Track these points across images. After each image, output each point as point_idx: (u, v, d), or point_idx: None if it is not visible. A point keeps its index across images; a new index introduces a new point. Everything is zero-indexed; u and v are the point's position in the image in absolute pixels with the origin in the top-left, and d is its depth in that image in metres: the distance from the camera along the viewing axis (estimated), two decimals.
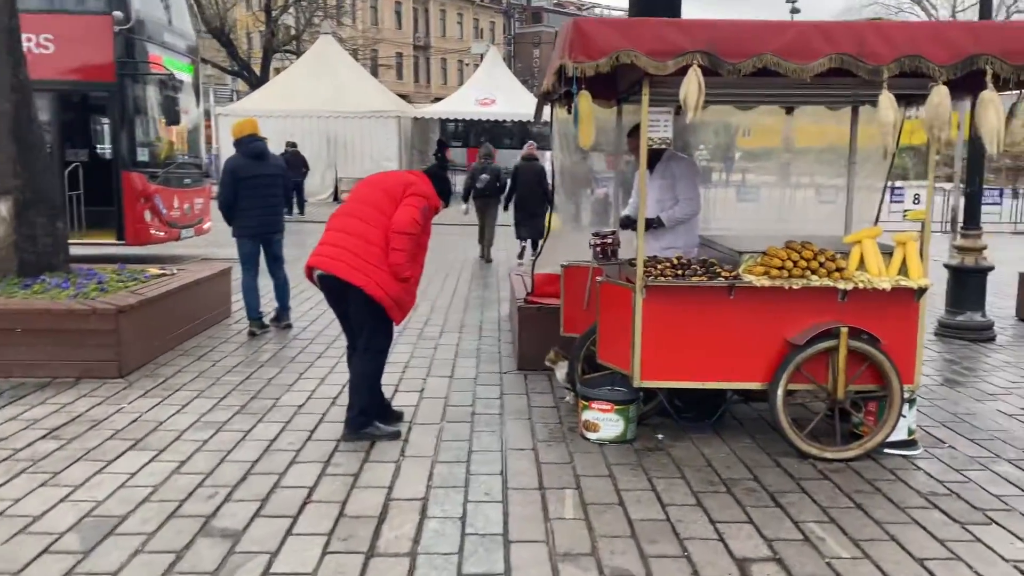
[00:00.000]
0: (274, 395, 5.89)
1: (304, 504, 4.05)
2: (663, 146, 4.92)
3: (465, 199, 13.79)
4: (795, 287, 4.65)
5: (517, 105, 26.57)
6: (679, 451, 4.89)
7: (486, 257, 13.78)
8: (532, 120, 29.78)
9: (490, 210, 13.81)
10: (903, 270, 4.77)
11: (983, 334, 8.25)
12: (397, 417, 5.28)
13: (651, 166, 6.12)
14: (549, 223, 7.02)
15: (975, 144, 8.31)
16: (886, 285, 4.65)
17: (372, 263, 4.79)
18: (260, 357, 7.02)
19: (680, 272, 4.83)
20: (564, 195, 7.27)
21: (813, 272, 4.66)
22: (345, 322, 5.11)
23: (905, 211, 4.50)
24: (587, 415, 5.01)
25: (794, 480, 4.49)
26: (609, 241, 5.52)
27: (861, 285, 4.64)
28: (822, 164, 8.66)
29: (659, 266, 4.87)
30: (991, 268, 8.47)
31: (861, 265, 4.79)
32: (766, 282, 4.64)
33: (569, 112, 5.10)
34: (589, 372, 5.56)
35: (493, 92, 26.26)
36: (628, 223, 6.18)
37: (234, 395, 5.88)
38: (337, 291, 4.93)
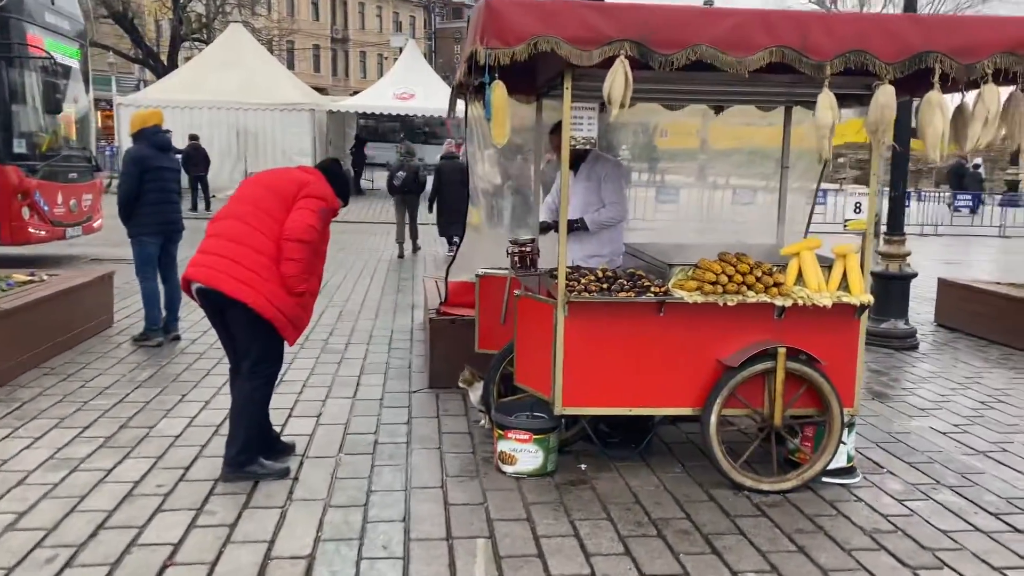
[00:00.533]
0: (148, 422, 5.17)
1: (164, 568, 3.39)
2: (587, 146, 4.43)
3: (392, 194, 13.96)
4: (730, 304, 4.22)
5: (437, 100, 25.88)
6: (604, 484, 4.41)
7: (403, 252, 13.79)
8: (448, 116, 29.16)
9: (409, 207, 13.87)
10: (843, 285, 4.41)
11: (907, 342, 8.09)
12: (286, 450, 4.65)
13: (574, 167, 5.66)
14: (464, 227, 6.48)
15: (900, 147, 8.15)
16: (827, 302, 4.27)
17: (261, 275, 4.15)
18: (139, 375, 6.25)
19: (606, 286, 4.36)
20: (482, 196, 6.73)
21: (749, 287, 4.25)
22: (229, 342, 4.45)
23: (846, 220, 4.25)
24: (503, 446, 4.49)
25: (729, 518, 4.06)
26: (528, 250, 5.01)
27: (800, 302, 4.25)
28: (742, 166, 8.42)
29: (583, 280, 4.38)
30: (915, 275, 8.32)
31: (800, 279, 4.40)
32: (699, 298, 4.20)
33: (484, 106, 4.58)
34: (507, 394, 5.04)
35: (412, 86, 25.50)
36: (549, 227, 5.70)
37: (101, 423, 5.13)
38: (219, 307, 4.27)
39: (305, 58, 56.43)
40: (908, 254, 8.29)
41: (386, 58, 58.45)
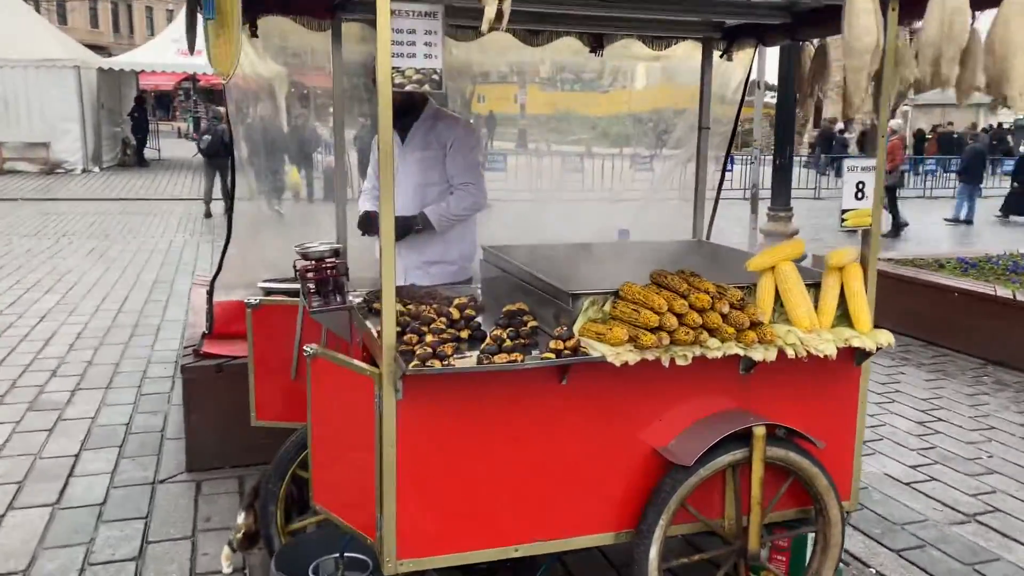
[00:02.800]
0: None
1: None
2: (423, 88, 2.46)
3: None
4: (681, 362, 2.46)
5: None
6: None
7: (210, 212, 13.92)
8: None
9: (220, 171, 13.66)
10: (839, 314, 2.77)
11: None
12: None
13: (403, 128, 3.74)
14: (231, 214, 4.31)
15: (787, 105, 6.80)
16: (830, 349, 2.60)
17: None
18: None
19: (464, 338, 2.48)
20: (250, 169, 4.59)
21: (712, 331, 2.49)
22: None
23: (843, 213, 2.99)
24: None
25: None
26: (328, 266, 3.01)
27: (792, 352, 2.56)
28: (607, 133, 6.86)
29: (427, 327, 2.47)
30: (803, 257, 7.03)
31: (776, 309, 2.71)
32: (632, 356, 2.40)
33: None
34: (303, 511, 3.07)
35: (199, 41, 22.12)
36: (369, 224, 3.76)
37: None
38: None
39: (81, 12, 49.76)
40: (795, 232, 7.00)
41: (173, 11, 52.65)
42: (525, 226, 5.01)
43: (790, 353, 2.54)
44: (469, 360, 2.33)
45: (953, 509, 3.87)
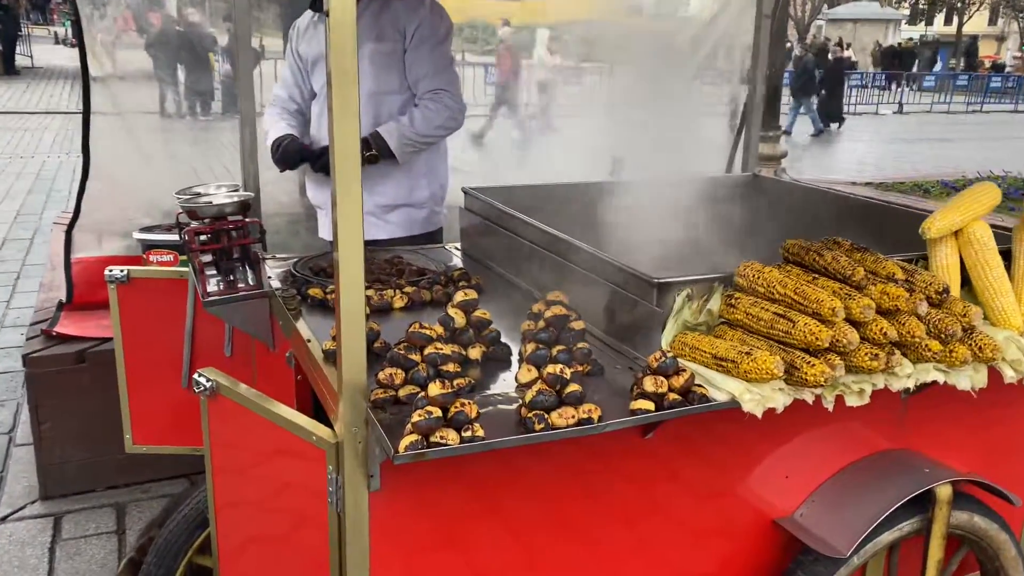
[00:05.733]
0: None
1: None
2: None
3: None
4: (855, 401, 1.45)
5: None
6: None
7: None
8: None
9: None
10: None
11: None
12: None
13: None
14: (87, 135, 3.02)
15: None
16: None
17: None
18: None
19: (468, 357, 1.43)
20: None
21: (902, 345, 1.47)
22: None
23: None
24: None
25: None
26: (230, 227, 1.85)
27: (1012, 373, 1.58)
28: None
29: (422, 350, 1.39)
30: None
31: (965, 293, 1.73)
32: (784, 400, 1.37)
33: None
34: None
35: None
36: (287, 156, 2.62)
37: None
38: None
39: None
40: (783, 156, 6.09)
41: None
42: (486, 152, 3.90)
43: (1009, 375, 1.57)
44: (501, 419, 1.27)
45: None
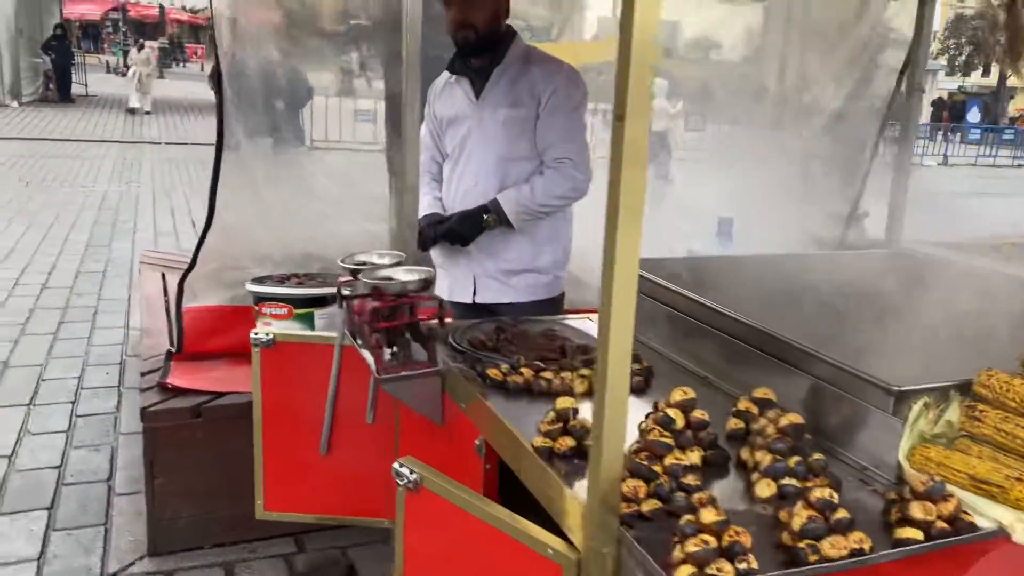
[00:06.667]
0: None
1: None
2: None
3: None
4: None
5: None
6: None
7: None
8: (202, 7, 23.26)
9: None
10: None
11: None
12: None
13: (479, 74, 2.57)
14: (215, 188, 3.01)
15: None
16: None
17: None
18: None
19: (692, 465, 1.36)
20: (241, 135, 3.27)
21: None
22: None
23: None
24: None
25: None
26: (408, 303, 1.80)
27: None
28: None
29: (661, 458, 1.32)
30: None
31: None
32: None
33: None
34: None
35: None
36: (435, 229, 2.62)
37: None
38: None
39: None
40: (866, 215, 5.98)
41: None
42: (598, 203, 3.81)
43: None
44: (758, 545, 1.19)
45: None
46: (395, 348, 1.78)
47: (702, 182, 4.36)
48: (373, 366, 1.80)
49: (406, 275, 1.81)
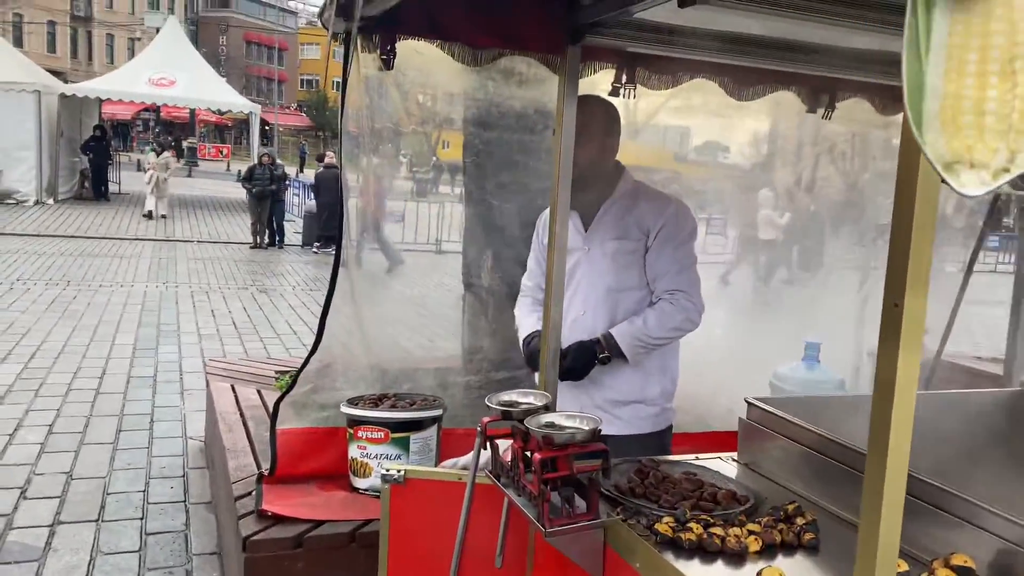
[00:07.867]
0: None
1: None
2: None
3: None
4: None
5: (204, 91, 21.39)
6: None
7: (257, 244, 14.99)
8: (228, 110, 24.16)
9: (263, 204, 14.92)
10: None
11: None
12: None
13: (588, 207, 2.63)
14: (326, 312, 3.00)
15: None
16: None
17: None
18: None
19: None
20: (370, 230, 3.31)
21: None
22: None
23: None
24: None
25: None
26: (579, 454, 1.77)
27: None
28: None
29: None
30: None
31: None
32: None
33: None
34: None
35: (173, 71, 20.78)
36: (533, 356, 2.61)
37: None
38: None
39: (38, 35, 47.71)
40: None
41: (139, 40, 50.60)
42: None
43: None
44: None
45: None
46: (564, 500, 1.74)
47: (782, 301, 4.36)
48: (532, 517, 1.76)
49: (567, 421, 1.79)
